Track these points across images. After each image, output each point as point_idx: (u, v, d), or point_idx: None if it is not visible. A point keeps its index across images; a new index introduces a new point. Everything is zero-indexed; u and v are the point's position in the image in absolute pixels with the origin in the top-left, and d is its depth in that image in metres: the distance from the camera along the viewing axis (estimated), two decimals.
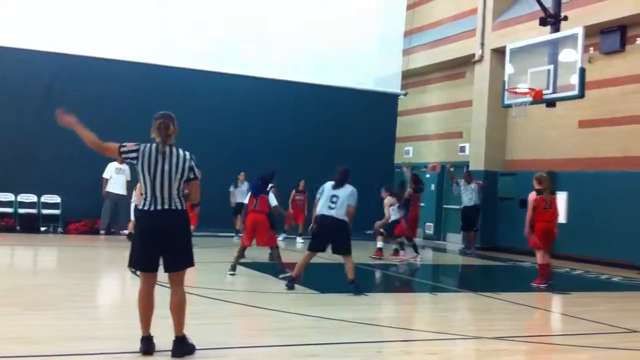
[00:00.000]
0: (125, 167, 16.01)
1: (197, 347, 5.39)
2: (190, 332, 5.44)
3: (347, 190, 9.04)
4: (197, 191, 5.48)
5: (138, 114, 15.80)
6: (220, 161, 16.27)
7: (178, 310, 5.33)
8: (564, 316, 8.76)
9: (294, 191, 16.81)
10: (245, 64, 17.94)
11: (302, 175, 16.91)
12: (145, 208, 5.30)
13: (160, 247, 5.27)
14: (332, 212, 8.94)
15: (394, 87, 20.54)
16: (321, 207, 9.04)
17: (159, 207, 5.26)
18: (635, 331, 7.38)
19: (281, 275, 9.86)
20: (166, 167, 5.25)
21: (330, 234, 8.98)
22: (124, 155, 5.40)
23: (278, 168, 17.14)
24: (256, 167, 16.55)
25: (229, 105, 17.71)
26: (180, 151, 5.36)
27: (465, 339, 6.78)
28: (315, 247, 9.19)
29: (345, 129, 19.01)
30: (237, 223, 16.13)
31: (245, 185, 16.07)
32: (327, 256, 10.02)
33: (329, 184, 9.18)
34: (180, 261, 5.37)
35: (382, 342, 6.52)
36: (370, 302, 8.88)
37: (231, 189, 16.34)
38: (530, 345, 6.64)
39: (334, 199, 8.99)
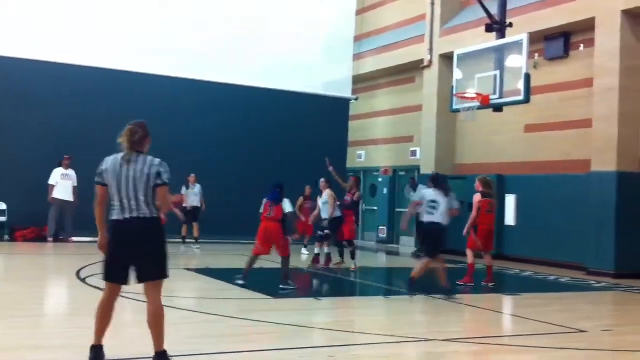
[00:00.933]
0: (71, 172, 15.73)
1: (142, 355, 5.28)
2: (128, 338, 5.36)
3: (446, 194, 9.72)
4: (164, 198, 5.23)
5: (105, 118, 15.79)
6: (172, 165, 16.01)
7: (155, 323, 5.11)
8: (513, 317, 8.94)
9: (301, 198, 15.53)
10: (195, 68, 17.70)
11: (251, 180, 16.79)
12: (114, 217, 5.14)
13: (129, 257, 5.09)
14: (433, 218, 9.61)
15: (345, 91, 20.63)
16: (423, 214, 9.73)
17: (126, 216, 5.10)
18: (583, 331, 7.56)
19: (282, 286, 9.73)
20: (130, 173, 5.09)
21: (437, 238, 9.76)
22: (99, 180, 5.20)
23: (230, 173, 17.34)
24: (207, 172, 16.54)
25: (178, 108, 17.50)
26: (149, 157, 5.20)
27: (417, 342, 6.85)
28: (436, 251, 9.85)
29: (297, 133, 18.95)
30: (195, 230, 15.90)
31: (197, 188, 15.95)
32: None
33: (429, 190, 9.83)
34: (150, 271, 5.14)
35: (334, 346, 6.53)
36: (322, 306, 8.90)
37: (183, 191, 16.00)
38: (480, 346, 6.74)
39: (432, 205, 9.61)
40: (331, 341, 6.77)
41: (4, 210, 15.69)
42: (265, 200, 10.03)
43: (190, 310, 7.88)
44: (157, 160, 5.24)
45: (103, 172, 5.19)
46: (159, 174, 5.18)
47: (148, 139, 5.29)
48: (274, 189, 10.04)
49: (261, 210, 10.03)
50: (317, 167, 17.87)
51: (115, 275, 5.18)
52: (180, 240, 16.01)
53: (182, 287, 9.84)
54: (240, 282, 9.84)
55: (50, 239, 15.67)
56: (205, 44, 17.74)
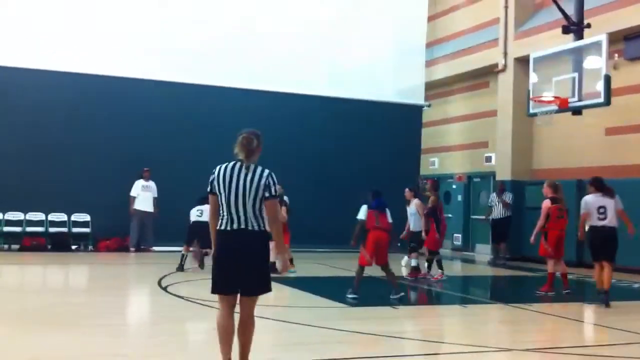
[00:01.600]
0: (151, 183, 16.21)
1: None
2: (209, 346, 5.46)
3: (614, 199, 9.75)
4: (274, 212, 5.04)
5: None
6: None
7: (245, 332, 5.05)
8: (597, 326, 8.65)
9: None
10: (264, 79, 17.91)
11: (329, 189, 16.86)
12: (222, 228, 5.02)
13: (236, 268, 4.95)
14: (605, 222, 9.62)
15: (418, 98, 20.50)
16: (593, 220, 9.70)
17: (234, 227, 4.96)
18: None
19: (394, 296, 9.51)
20: (241, 183, 4.97)
21: (605, 243, 9.71)
22: (210, 188, 5.11)
23: (304, 185, 17.44)
24: (283, 183, 16.66)
25: (247, 121, 17.70)
26: (259, 168, 5.07)
27: (497, 351, 6.73)
28: (597, 257, 9.78)
29: (369, 142, 18.94)
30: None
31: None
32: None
33: (592, 197, 9.79)
34: (254, 286, 5.02)
35: (412, 355, 6.49)
36: (400, 315, 8.86)
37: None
38: (561, 356, 6.56)
39: (601, 210, 9.66)
40: (409, 350, 6.73)
41: (88, 222, 16.31)
42: (366, 209, 9.69)
43: (268, 319, 7.98)
44: (267, 171, 5.09)
45: (213, 180, 5.08)
46: (267, 186, 5.03)
47: (260, 149, 5.19)
48: (377, 197, 9.74)
49: (362, 217, 9.64)
50: (390, 175, 17.91)
51: (223, 287, 5.05)
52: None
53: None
54: (352, 296, 9.47)
55: (132, 249, 16.18)
56: (277, 53, 17.98)
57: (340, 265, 14.00)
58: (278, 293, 10.52)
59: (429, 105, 20.69)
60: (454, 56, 20.47)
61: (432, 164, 21.74)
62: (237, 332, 5.06)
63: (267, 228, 5.04)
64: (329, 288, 10.53)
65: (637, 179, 14.71)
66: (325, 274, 13.49)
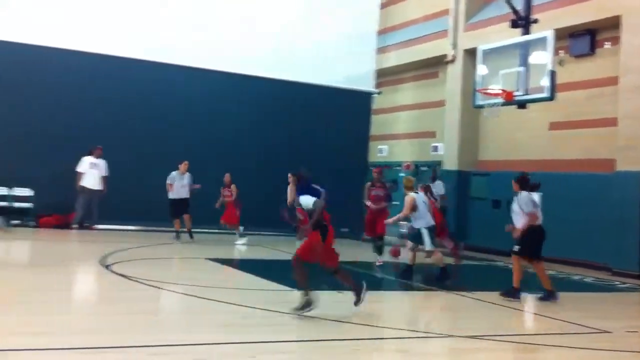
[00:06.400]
0: (101, 161, 15.90)
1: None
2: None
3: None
4: None
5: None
6: (196, 160, 16.01)
7: None
8: (537, 316, 8.90)
9: (369, 184, 13.52)
10: (217, 59, 17.72)
11: (274, 172, 16.79)
12: None
13: None
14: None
15: (368, 85, 20.61)
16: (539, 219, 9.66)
17: None
18: (607, 332, 7.50)
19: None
20: None
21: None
22: None
23: (248, 167, 17.39)
24: (226, 165, 16.60)
25: (198, 100, 17.63)
26: None
27: (439, 338, 6.87)
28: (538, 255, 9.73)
29: (318, 127, 18.96)
30: (187, 222, 15.13)
31: (186, 178, 15.20)
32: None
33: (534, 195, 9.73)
34: None
35: (357, 339, 6.57)
36: (347, 299, 8.92)
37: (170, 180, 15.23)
38: (501, 344, 6.74)
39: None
40: (354, 334, 6.81)
41: (31, 196, 15.90)
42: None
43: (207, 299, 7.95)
44: None
45: None
46: None
47: None
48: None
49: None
50: (338, 161, 18.00)
51: None
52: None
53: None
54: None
55: (75, 226, 15.86)
56: (230, 35, 17.81)
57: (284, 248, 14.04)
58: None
59: (379, 93, 20.81)
60: (405, 45, 20.61)
61: (380, 152, 21.91)
62: None
63: None
64: (272, 271, 10.51)
65: (578, 173, 15.13)
66: (270, 257, 13.53)
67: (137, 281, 8.77)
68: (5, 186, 15.75)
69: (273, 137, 18.35)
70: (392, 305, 9.38)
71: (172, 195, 14.99)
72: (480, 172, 17.81)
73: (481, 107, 13.78)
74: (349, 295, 7.71)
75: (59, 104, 16.09)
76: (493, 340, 6.81)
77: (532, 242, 9.51)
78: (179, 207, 14.97)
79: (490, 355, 6.33)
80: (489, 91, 13.06)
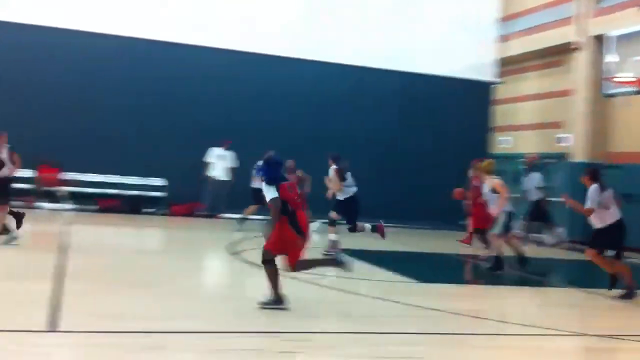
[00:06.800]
0: (229, 153, 16.47)
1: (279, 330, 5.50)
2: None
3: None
4: None
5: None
6: (309, 152, 16.21)
7: None
8: None
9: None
10: (335, 52, 17.96)
11: (394, 165, 16.85)
12: None
13: None
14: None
15: (489, 75, 20.18)
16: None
17: None
18: None
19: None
20: None
21: None
22: None
23: (368, 160, 17.47)
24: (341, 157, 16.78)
25: (312, 93, 17.99)
26: None
27: (569, 336, 6.69)
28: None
29: (436, 118, 18.87)
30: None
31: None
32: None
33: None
34: None
35: (484, 334, 6.52)
36: (472, 293, 8.87)
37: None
38: (633, 343, 6.50)
39: None
40: (476, 328, 6.77)
41: (163, 186, 16.80)
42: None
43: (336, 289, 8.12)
44: None
45: None
46: None
47: None
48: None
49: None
50: (457, 152, 17.75)
51: None
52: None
53: None
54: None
55: (204, 214, 16.53)
56: (350, 29, 18.00)
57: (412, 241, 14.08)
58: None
59: (501, 82, 20.33)
60: (528, 32, 19.97)
61: (503, 143, 21.40)
62: None
63: None
64: (393, 262, 10.57)
65: None
66: (391, 248, 13.58)
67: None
68: (141, 176, 16.73)
69: (390, 129, 18.40)
70: (515, 301, 9.20)
71: None
72: (612, 164, 16.99)
73: (611, 95, 13.21)
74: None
75: (196, 100, 17.02)
76: (631, 340, 6.54)
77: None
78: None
79: (632, 357, 6.10)
80: (620, 79, 12.51)
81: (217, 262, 10.78)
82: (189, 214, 16.52)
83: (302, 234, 6.69)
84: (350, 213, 11.59)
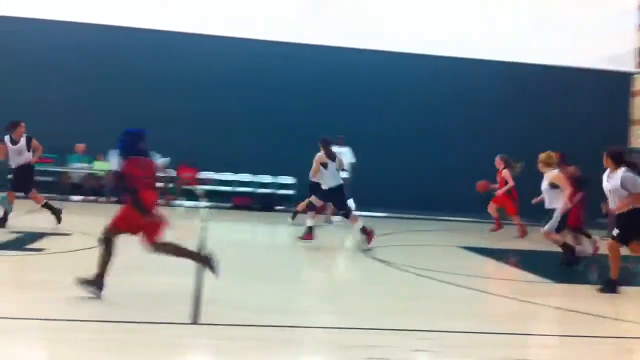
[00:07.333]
0: (344, 149, 16.61)
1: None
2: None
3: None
4: None
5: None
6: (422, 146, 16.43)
7: None
8: None
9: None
10: (462, 45, 17.95)
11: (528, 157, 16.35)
12: None
13: None
14: None
15: (628, 65, 19.21)
16: None
17: None
18: None
19: None
20: None
21: None
22: None
23: (500, 152, 17.12)
24: (468, 151, 16.79)
25: (428, 87, 18.14)
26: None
27: None
28: None
29: (570, 111, 18.25)
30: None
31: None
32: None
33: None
34: None
35: (620, 337, 6.29)
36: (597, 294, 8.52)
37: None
38: None
39: None
40: (617, 332, 6.52)
41: (293, 184, 17.32)
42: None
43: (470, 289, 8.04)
44: None
45: None
46: None
47: None
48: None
49: None
50: (592, 147, 16.95)
51: None
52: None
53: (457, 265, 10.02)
54: None
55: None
56: (478, 20, 17.80)
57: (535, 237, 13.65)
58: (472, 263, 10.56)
59: None
60: None
61: None
62: None
63: None
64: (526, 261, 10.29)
65: None
66: (524, 247, 13.24)
67: (396, 267, 9.15)
68: (271, 174, 17.30)
69: (520, 124, 18.08)
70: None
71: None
72: None
73: None
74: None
75: (313, 102, 17.53)
76: None
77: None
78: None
79: None
80: None
81: (349, 259, 10.91)
82: (320, 212, 16.81)
83: (145, 212, 6.22)
84: (335, 203, 11.75)
